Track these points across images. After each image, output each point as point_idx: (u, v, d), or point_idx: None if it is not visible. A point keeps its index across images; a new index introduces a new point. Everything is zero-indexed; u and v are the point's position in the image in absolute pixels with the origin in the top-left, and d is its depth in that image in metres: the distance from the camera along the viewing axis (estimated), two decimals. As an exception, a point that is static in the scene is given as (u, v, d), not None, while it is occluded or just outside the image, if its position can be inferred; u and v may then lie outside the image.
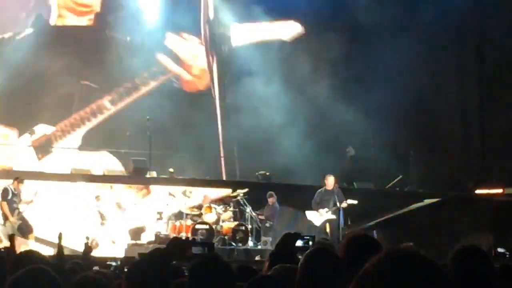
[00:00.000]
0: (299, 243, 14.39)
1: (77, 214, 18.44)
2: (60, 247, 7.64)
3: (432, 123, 22.86)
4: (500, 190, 20.85)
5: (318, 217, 17.47)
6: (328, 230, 17.24)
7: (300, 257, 5.52)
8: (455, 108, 23.36)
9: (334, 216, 17.32)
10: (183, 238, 14.87)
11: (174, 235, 16.33)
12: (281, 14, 22.86)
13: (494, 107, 22.74)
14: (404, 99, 22.40)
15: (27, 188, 17.11)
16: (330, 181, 17.58)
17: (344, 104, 21.52)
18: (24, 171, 18.44)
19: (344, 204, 17.32)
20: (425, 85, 22.30)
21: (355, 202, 17.52)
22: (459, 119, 23.37)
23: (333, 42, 21.55)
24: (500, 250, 17.23)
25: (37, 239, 17.12)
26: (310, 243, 14.34)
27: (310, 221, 17.80)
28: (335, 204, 17.30)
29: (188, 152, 20.98)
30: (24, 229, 16.67)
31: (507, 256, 16.67)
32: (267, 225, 18.35)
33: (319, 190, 17.73)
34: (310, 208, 17.72)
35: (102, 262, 10.86)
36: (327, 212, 17.35)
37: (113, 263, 11.14)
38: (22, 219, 16.78)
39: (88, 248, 8.41)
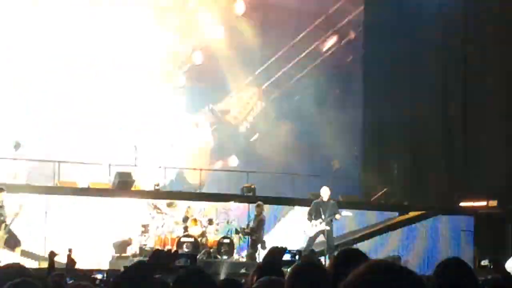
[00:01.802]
0: (286, 257, 14.40)
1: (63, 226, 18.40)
2: (51, 264, 7.62)
3: (416, 136, 22.96)
4: (483, 203, 20.94)
5: (311, 227, 17.44)
6: (323, 239, 17.17)
7: (286, 270, 5.55)
8: (438, 121, 23.46)
9: (327, 227, 17.29)
10: (166, 250, 14.75)
11: (159, 247, 16.27)
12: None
13: (476, 121, 22.86)
14: (388, 112, 22.55)
15: (11, 200, 16.95)
16: (323, 192, 17.57)
17: (329, 117, 21.70)
18: (6, 183, 18.26)
19: (338, 216, 17.34)
20: (409, 99, 22.40)
21: (350, 214, 17.55)
22: (443, 132, 23.46)
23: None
24: (483, 263, 17.30)
25: (23, 253, 16.98)
26: (297, 257, 14.32)
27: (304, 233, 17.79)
28: (330, 215, 17.28)
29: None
30: (12, 243, 16.49)
31: (491, 268, 16.73)
32: (254, 238, 18.30)
33: (316, 201, 17.67)
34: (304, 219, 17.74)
35: (88, 274, 10.84)
36: (320, 223, 17.33)
37: (99, 276, 11.12)
38: (10, 232, 16.56)
39: (72, 261, 8.36)
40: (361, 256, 4.36)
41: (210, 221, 17.99)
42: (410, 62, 22.71)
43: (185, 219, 17.95)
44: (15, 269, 5.07)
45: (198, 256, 16.41)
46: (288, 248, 15.57)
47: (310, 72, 23.70)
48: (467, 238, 20.20)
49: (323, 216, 17.31)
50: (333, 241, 17.18)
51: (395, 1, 23.27)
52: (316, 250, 17.44)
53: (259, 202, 18.60)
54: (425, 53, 22.96)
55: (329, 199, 17.53)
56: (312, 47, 23.94)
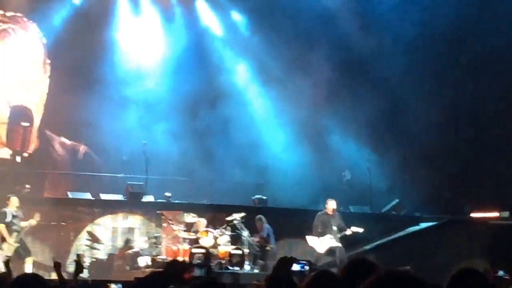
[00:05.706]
0: (295, 267, 14.44)
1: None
2: (59, 275, 7.65)
3: (427, 147, 22.90)
4: (496, 214, 20.88)
5: (320, 243, 17.35)
6: (336, 256, 17.00)
7: (295, 281, 5.58)
8: (451, 131, 23.39)
9: (339, 244, 17.21)
10: (181, 261, 14.80)
11: (171, 259, 16.28)
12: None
13: (489, 131, 22.80)
14: (400, 123, 22.53)
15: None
16: (330, 205, 17.50)
17: (341, 128, 21.73)
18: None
19: (348, 232, 17.27)
20: (421, 110, 22.36)
21: (360, 230, 17.40)
22: (455, 143, 23.39)
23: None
24: (500, 273, 17.22)
25: (35, 263, 17.05)
26: (306, 267, 14.40)
27: (311, 247, 17.72)
28: (340, 231, 17.24)
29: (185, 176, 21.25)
30: (22, 253, 16.58)
31: (507, 278, 16.67)
32: (268, 248, 18.29)
33: (319, 214, 17.63)
34: (311, 233, 17.66)
35: (103, 285, 10.91)
36: (331, 238, 17.25)
37: (114, 286, 11.19)
38: (21, 242, 16.68)
39: (80, 268, 8.20)
40: (370, 265, 4.40)
41: (222, 232, 18.00)
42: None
43: (196, 230, 18.00)
44: (31, 278, 5.12)
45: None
46: (298, 258, 15.44)
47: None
48: (479, 249, 20.12)
49: (334, 229, 17.23)
50: (346, 257, 16.89)
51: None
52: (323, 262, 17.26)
53: (258, 216, 18.68)
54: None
55: (333, 213, 17.45)
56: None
